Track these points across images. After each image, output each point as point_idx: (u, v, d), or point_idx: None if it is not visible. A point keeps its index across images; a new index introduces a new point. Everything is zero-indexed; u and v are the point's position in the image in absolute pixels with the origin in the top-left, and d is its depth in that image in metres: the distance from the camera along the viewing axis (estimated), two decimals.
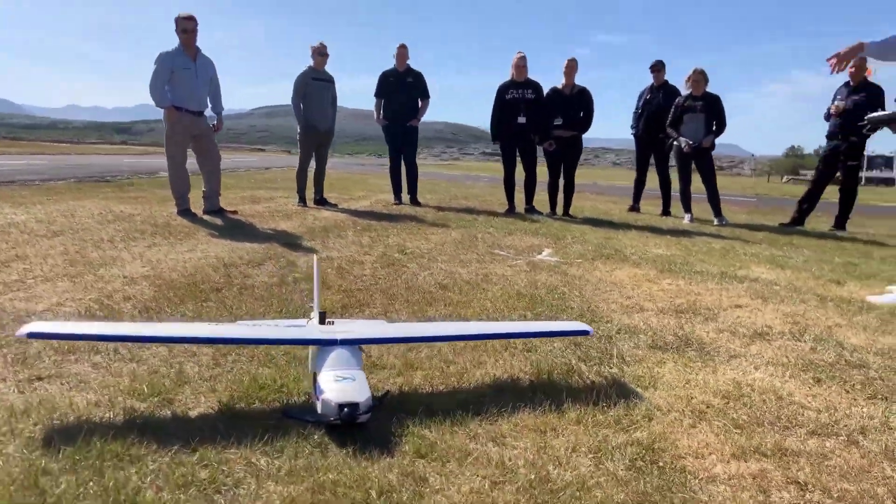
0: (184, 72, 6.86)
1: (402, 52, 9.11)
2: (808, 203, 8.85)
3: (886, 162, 41.29)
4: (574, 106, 8.65)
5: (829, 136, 8.54)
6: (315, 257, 3.09)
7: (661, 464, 1.81)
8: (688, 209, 8.94)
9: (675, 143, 8.86)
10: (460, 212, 8.74)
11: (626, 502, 1.59)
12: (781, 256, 5.83)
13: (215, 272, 4.10)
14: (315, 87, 8.58)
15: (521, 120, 8.62)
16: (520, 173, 8.92)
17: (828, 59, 3.96)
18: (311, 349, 2.40)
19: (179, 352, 2.56)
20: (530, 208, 8.93)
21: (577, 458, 1.82)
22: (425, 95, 9.20)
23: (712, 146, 8.72)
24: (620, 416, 2.11)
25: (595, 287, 4.17)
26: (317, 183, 8.98)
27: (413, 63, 9.18)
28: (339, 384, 1.97)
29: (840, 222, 8.64)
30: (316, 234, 6.06)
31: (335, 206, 8.83)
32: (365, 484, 1.64)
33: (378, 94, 9.20)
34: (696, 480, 1.72)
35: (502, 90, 8.75)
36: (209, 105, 7.25)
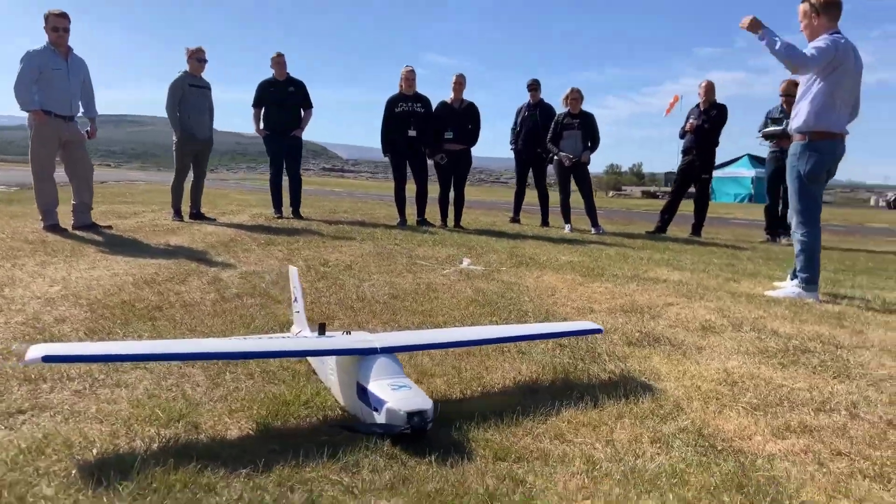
0: (54, 72, 6.21)
1: (281, 60, 8.84)
2: (668, 213, 9.71)
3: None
4: (463, 119, 8.86)
5: (685, 152, 9.46)
6: (293, 269, 2.91)
7: (719, 447, 1.91)
8: (567, 220, 9.47)
9: (555, 157, 9.36)
10: (353, 225, 8.61)
11: (721, 485, 1.66)
12: (672, 260, 6.35)
13: (140, 290, 3.73)
14: (193, 93, 8.11)
15: (412, 133, 8.68)
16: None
17: (740, 25, 4.35)
18: (322, 361, 2.28)
19: (165, 373, 2.31)
20: (422, 220, 8.99)
21: (646, 447, 1.88)
22: (308, 105, 8.99)
23: (588, 161, 9.33)
24: (653, 407, 2.20)
25: (536, 292, 4.29)
26: (194, 196, 8.47)
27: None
28: (400, 392, 1.88)
29: (697, 229, 9.58)
30: (217, 248, 5.69)
31: (214, 220, 8.36)
32: (468, 491, 1.58)
33: (257, 104, 8.85)
34: (761, 460, 1.84)
35: (391, 103, 8.76)
36: (81, 109, 6.60)
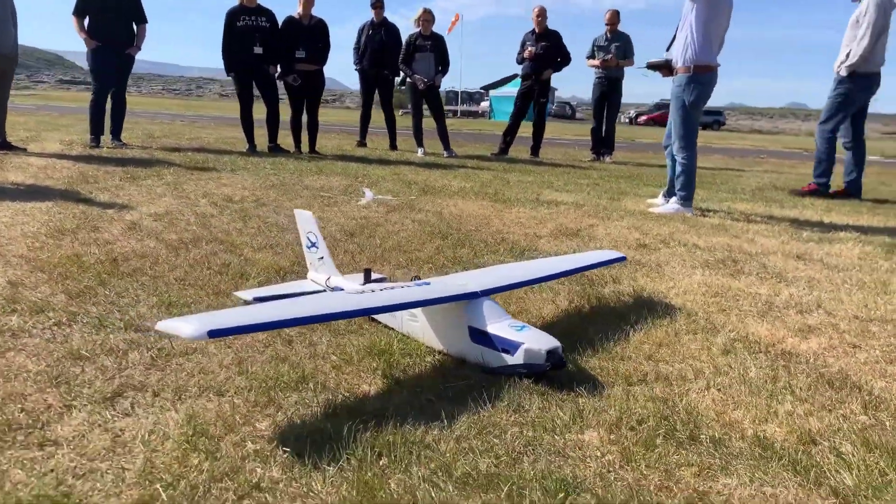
0: None
1: None
2: (510, 135, 10.22)
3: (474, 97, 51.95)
4: (314, 37, 8.39)
5: (524, 77, 9.96)
6: (305, 212, 2.69)
7: (771, 351, 2.27)
8: (421, 143, 9.56)
9: (408, 80, 9.30)
10: (199, 152, 7.89)
11: (815, 383, 2.00)
12: (547, 182, 6.80)
13: (63, 241, 3.23)
14: None
15: (258, 50, 8.07)
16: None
17: None
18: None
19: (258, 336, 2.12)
20: (274, 146, 8.53)
21: (723, 359, 2.17)
22: (142, 19, 7.90)
23: (440, 84, 9.42)
24: (691, 323, 2.51)
25: (474, 222, 4.42)
26: None
27: None
28: (528, 333, 1.96)
29: (535, 150, 10.25)
30: (82, 185, 4.99)
31: (25, 149, 7.20)
32: (643, 415, 1.73)
33: (78, 12, 7.59)
34: (812, 358, 2.22)
35: (232, 16, 8.02)
36: None
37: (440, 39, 9.25)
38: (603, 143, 10.26)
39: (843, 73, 6.50)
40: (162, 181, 5.42)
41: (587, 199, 5.65)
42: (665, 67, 5.27)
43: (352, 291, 2.00)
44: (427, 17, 9.07)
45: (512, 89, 46.37)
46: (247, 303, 2.45)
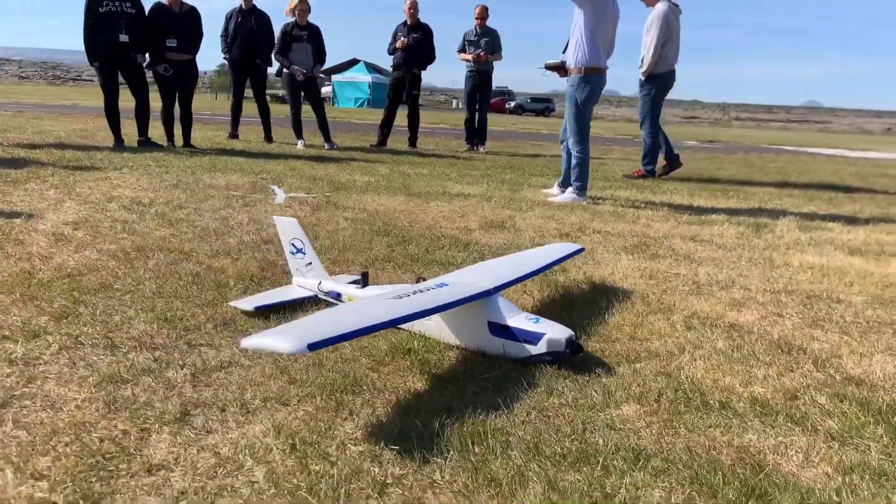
0: None
1: None
2: (387, 127, 10.36)
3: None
4: (186, 25, 7.98)
5: (396, 68, 10.13)
6: (287, 219, 2.69)
7: (737, 328, 2.68)
8: (300, 135, 9.42)
9: (285, 70, 9.11)
10: (67, 149, 7.27)
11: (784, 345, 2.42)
12: (442, 174, 7.06)
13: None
14: None
15: (123, 38, 7.55)
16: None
17: None
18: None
19: None
20: (145, 140, 8.04)
21: (712, 332, 2.54)
22: None
23: (318, 74, 9.33)
24: (660, 303, 2.87)
25: (406, 218, 4.56)
26: None
27: None
28: (545, 325, 2.18)
29: (412, 141, 10.48)
30: None
31: None
32: (677, 384, 2.04)
33: None
34: (769, 328, 2.66)
35: (93, 1, 7.43)
36: None
37: (316, 29, 9.15)
38: (476, 134, 10.71)
39: (642, 77, 7.60)
40: (47, 184, 5.00)
41: (491, 192, 5.97)
42: (560, 68, 5.71)
43: (389, 296, 2.11)
44: (303, 7, 8.93)
45: (355, 75, 46.25)
46: (248, 313, 2.46)
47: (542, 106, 50.29)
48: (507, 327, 2.20)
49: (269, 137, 9.71)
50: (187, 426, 1.67)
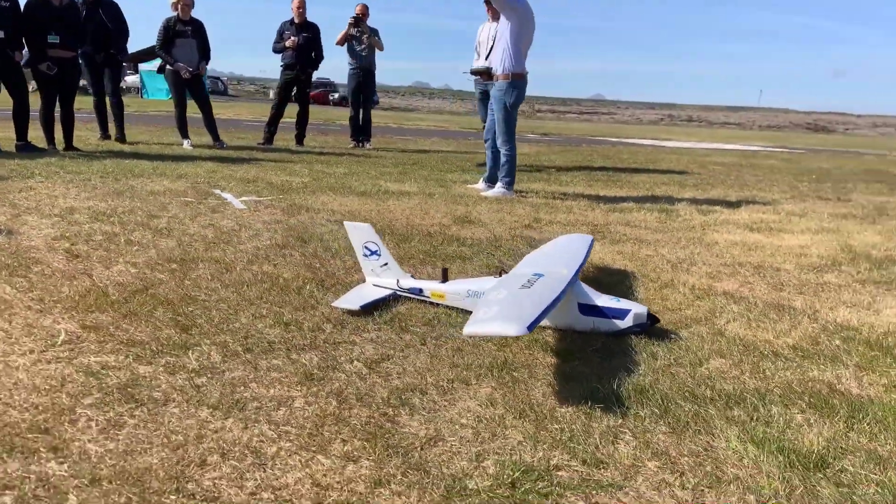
0: None
1: None
2: (273, 125, 10.25)
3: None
4: (68, 20, 7.39)
5: (287, 68, 10.06)
6: (360, 225, 2.92)
7: (722, 296, 3.32)
8: (186, 135, 9.05)
9: (169, 67, 8.71)
10: None
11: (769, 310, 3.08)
12: (357, 172, 7.26)
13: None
14: None
15: None
16: None
17: None
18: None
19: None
20: (24, 144, 7.35)
21: (716, 317, 3.15)
22: None
23: (205, 72, 9.03)
24: (674, 282, 3.45)
25: (376, 215, 4.79)
26: None
27: None
28: (626, 302, 2.65)
29: (300, 139, 10.46)
30: None
31: None
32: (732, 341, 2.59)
33: None
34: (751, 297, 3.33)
35: None
36: None
37: (200, 25, 8.83)
38: (361, 131, 10.92)
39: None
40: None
41: (427, 189, 6.33)
42: (485, 73, 6.20)
43: (517, 284, 2.45)
44: (187, 2, 8.58)
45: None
46: (354, 312, 2.67)
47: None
48: (596, 307, 2.64)
49: (118, 136, 9.05)
50: (421, 409, 1.93)
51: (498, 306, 2.18)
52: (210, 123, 9.16)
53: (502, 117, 6.06)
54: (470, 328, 1.95)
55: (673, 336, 2.63)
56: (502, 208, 5.45)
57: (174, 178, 6.00)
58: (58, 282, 2.84)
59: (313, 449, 1.67)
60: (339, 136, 13.10)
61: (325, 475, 1.56)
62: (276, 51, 10.04)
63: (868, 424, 1.95)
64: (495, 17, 8.04)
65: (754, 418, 1.97)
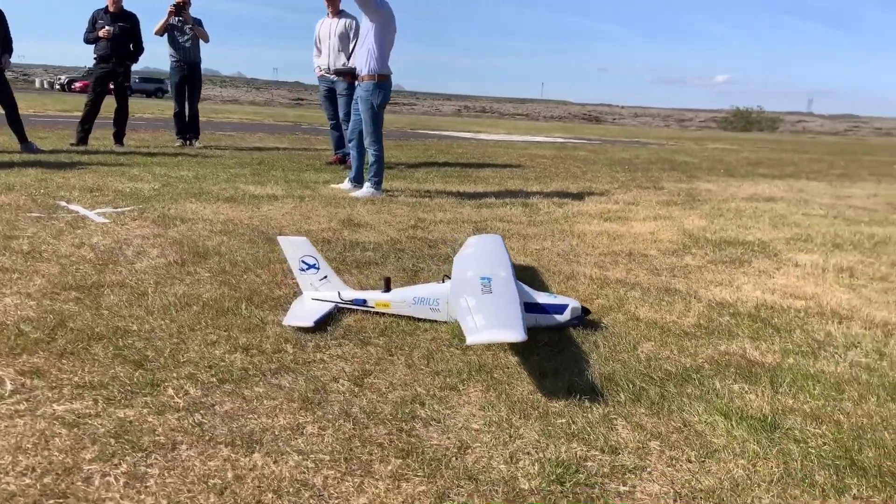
0: None
1: None
2: (88, 123, 9.28)
3: None
4: None
5: (102, 59, 9.17)
6: (296, 238, 2.81)
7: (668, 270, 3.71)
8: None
9: None
10: None
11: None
12: (209, 175, 6.87)
13: None
14: None
15: None
16: None
17: None
18: (446, 301, 2.86)
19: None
20: None
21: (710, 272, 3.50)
22: None
23: (8, 65, 7.94)
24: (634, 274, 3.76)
25: (258, 221, 4.62)
26: None
27: None
28: (562, 298, 2.89)
29: (119, 137, 9.58)
30: None
31: None
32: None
33: None
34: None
35: None
36: None
37: (1, 14, 7.75)
38: (188, 129, 10.26)
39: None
40: None
41: (293, 191, 6.17)
42: (349, 74, 6.18)
43: (482, 289, 2.56)
44: None
45: None
46: (308, 329, 2.63)
47: (153, 87, 48.48)
48: (537, 304, 2.85)
49: None
50: (431, 420, 1.99)
51: (483, 314, 2.30)
52: (15, 122, 8.08)
53: (369, 118, 6.09)
54: (473, 338, 2.05)
55: (601, 325, 2.92)
56: (380, 209, 5.51)
57: (2, 189, 5.27)
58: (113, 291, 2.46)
59: (359, 473, 1.68)
60: (155, 133, 12.21)
61: (386, 496, 1.59)
62: (87, 41, 9.12)
63: (787, 387, 2.36)
64: (335, 13, 8.05)
65: (706, 392, 2.29)
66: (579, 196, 7.11)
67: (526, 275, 3.66)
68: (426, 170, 8.78)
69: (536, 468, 1.74)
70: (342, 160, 8.54)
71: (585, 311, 2.91)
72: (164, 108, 21.11)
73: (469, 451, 1.83)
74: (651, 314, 3.12)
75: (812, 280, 3.93)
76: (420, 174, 8.30)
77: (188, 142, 10.20)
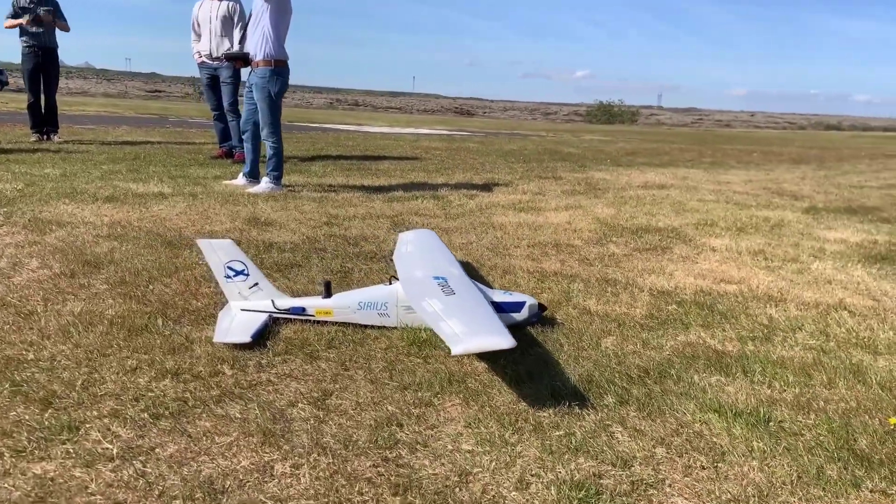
0: None
1: None
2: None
3: None
4: None
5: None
6: (219, 241, 2.36)
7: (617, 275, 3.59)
8: None
9: None
10: None
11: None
12: (83, 171, 6.12)
13: None
14: None
15: None
16: None
17: None
18: (394, 304, 2.62)
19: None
20: None
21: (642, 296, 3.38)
22: None
23: None
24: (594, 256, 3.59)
25: (153, 224, 4.11)
26: None
27: None
28: (518, 295, 2.72)
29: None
30: None
31: None
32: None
33: None
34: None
35: None
36: None
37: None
38: (46, 121, 9.19)
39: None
40: None
41: (183, 188, 5.60)
42: (241, 59, 5.68)
43: (445, 290, 2.31)
44: None
45: None
46: (246, 344, 2.28)
47: None
48: (495, 303, 2.65)
49: None
50: (416, 444, 1.75)
51: (458, 319, 2.08)
52: None
53: (266, 107, 5.63)
54: (458, 348, 1.82)
55: (557, 322, 2.78)
56: (285, 206, 5.11)
57: None
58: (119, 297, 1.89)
59: None
60: (3, 127, 10.88)
61: None
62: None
63: (759, 376, 2.32)
64: None
65: (688, 388, 2.20)
66: (486, 187, 7.00)
67: (466, 271, 3.47)
68: (322, 163, 8.36)
69: (553, 493, 1.55)
70: (229, 153, 8.00)
71: (542, 307, 2.76)
72: (8, 99, 19.01)
73: (471, 478, 1.60)
74: (601, 307, 3.02)
75: (734, 264, 4.01)
76: (317, 168, 7.88)
77: (46, 136, 9.13)
